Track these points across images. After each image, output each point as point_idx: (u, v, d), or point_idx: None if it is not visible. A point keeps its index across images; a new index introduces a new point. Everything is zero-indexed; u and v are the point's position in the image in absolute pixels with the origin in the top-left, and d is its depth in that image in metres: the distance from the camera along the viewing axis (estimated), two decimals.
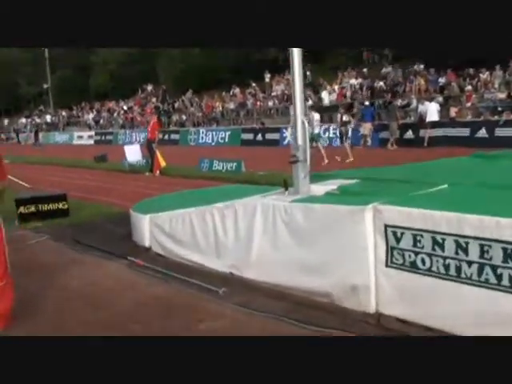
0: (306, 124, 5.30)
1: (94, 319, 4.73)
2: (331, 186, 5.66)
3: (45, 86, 55.42)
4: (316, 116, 17.11)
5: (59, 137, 45.56)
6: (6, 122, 58.27)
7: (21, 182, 15.14)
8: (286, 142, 25.08)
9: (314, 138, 15.14)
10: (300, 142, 5.36)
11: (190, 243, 6.12)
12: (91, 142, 40.47)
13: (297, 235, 4.83)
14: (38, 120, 53.28)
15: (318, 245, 4.65)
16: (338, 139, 19.62)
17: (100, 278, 6.04)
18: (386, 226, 4.17)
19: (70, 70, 58.29)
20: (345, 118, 18.68)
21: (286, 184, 5.66)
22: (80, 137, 42.71)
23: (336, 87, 29.15)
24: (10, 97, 63.88)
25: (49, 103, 55.90)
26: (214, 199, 6.21)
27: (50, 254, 7.33)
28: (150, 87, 46.54)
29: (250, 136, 28.98)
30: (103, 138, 39.93)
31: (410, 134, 21.96)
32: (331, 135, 23.67)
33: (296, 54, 5.25)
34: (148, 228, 6.82)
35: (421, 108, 21.84)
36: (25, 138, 48.94)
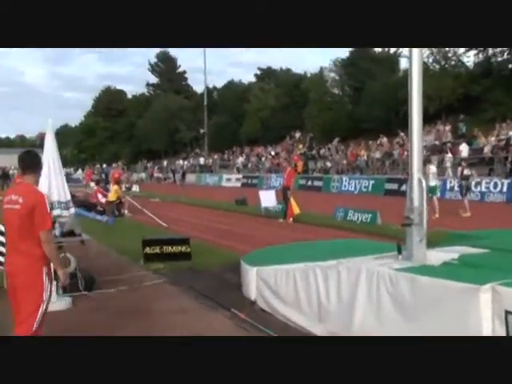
0: (424, 183, 4.67)
1: None
2: (452, 253, 4.91)
3: (201, 131, 59.15)
4: (433, 169, 16.18)
5: (210, 178, 47.94)
6: (164, 162, 63.03)
7: (160, 222, 15.90)
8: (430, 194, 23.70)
9: (430, 191, 14.33)
10: (416, 203, 4.73)
11: (292, 302, 5.71)
12: (238, 184, 41.84)
13: (401, 308, 4.20)
14: (192, 162, 56.79)
15: (424, 323, 3.99)
16: (459, 193, 18.51)
17: (200, 330, 5.81)
18: (506, 313, 3.40)
19: (225, 116, 61.71)
20: (466, 171, 17.45)
21: (400, 248, 5.03)
22: (228, 179, 44.47)
23: (492, 139, 26.98)
24: (170, 140, 69.42)
25: (204, 147, 59.41)
26: (325, 254, 5.83)
27: (161, 298, 7.35)
28: (298, 134, 47.41)
29: (394, 186, 27.76)
30: (250, 181, 41.08)
31: None
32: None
33: (415, 109, 4.71)
34: (254, 281, 6.55)
35: None
36: (180, 179, 52.50)
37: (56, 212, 7.01)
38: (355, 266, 4.88)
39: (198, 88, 77.68)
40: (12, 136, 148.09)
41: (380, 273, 4.46)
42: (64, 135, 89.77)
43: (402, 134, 33.27)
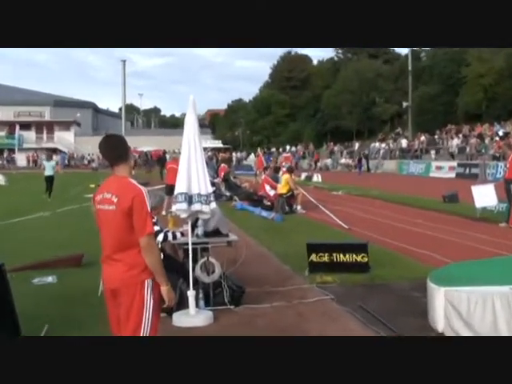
0: None
1: None
2: None
3: (404, 104, 58.18)
4: None
5: (414, 166, 46.90)
6: (356, 145, 63.10)
7: (339, 221, 16.03)
8: None
9: None
10: None
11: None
12: (452, 175, 40.26)
13: None
14: (392, 145, 56.18)
15: None
16: None
17: None
18: None
19: (436, 85, 59.80)
20: None
21: None
22: (439, 168, 43.06)
23: None
24: (363, 116, 69.32)
25: (407, 125, 58.36)
26: None
27: (322, 319, 7.45)
28: None
29: None
30: (467, 170, 39.29)
31: None
32: None
33: None
34: (442, 305, 6.25)
35: None
36: (376, 166, 52.30)
37: (196, 207, 7.36)
38: None
39: (401, 49, 76.54)
40: (177, 114, 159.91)
41: None
42: (236, 112, 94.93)
43: None
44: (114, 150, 4.35)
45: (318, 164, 60.27)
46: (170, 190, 17.36)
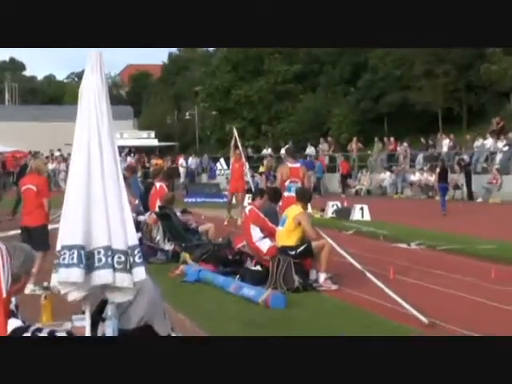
0: None
1: None
2: None
3: None
4: None
5: None
6: (444, 143, 57.12)
7: (409, 309, 13.84)
8: None
9: None
10: None
11: None
12: None
13: None
14: (502, 146, 51.64)
15: None
16: None
17: None
18: None
19: None
20: None
21: None
22: None
23: None
24: (458, 83, 63.21)
25: None
26: None
27: None
28: None
29: None
30: None
31: None
32: None
33: None
34: None
35: None
36: (486, 188, 44.47)
37: (102, 277, 7.04)
38: None
39: None
40: (62, 75, 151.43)
41: None
42: (185, 72, 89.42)
43: None
44: None
45: (357, 185, 53.20)
46: (27, 236, 16.22)
